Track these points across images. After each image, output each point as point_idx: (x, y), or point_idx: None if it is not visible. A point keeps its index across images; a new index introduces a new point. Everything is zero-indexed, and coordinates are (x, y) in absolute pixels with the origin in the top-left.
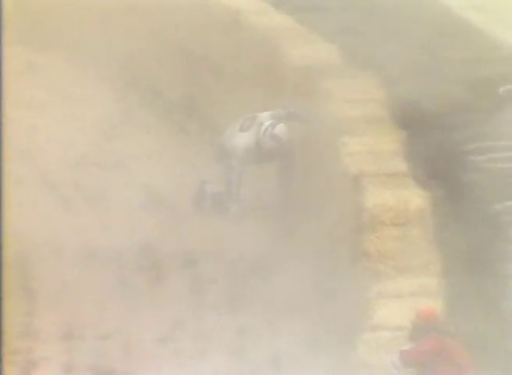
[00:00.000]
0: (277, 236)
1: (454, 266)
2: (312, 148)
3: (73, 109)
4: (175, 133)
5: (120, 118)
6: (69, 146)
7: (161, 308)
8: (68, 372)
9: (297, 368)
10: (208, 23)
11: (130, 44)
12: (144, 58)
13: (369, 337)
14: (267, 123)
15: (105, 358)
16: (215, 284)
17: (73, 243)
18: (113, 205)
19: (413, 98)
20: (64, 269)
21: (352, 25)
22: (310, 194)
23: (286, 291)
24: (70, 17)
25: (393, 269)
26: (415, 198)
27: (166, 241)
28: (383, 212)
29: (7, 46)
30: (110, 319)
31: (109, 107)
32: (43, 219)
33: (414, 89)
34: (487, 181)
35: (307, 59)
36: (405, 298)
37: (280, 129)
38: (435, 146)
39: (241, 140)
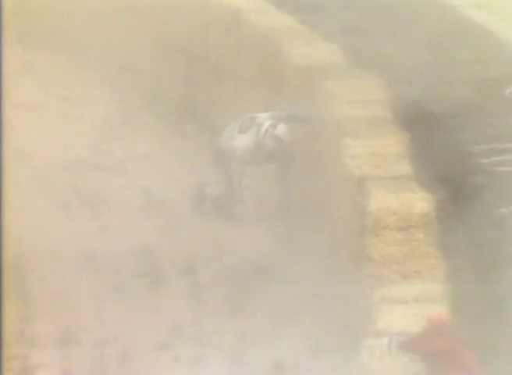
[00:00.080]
0: (278, 239)
1: (460, 271)
2: (314, 150)
3: (71, 110)
4: (174, 134)
5: (119, 119)
6: (67, 147)
7: (160, 313)
8: None
9: (299, 374)
10: (208, 23)
11: (129, 45)
12: (143, 58)
13: (372, 343)
14: (267, 124)
15: (103, 364)
16: (214, 289)
17: (70, 247)
18: (111, 208)
19: (417, 99)
20: (61, 274)
21: (355, 24)
22: (312, 198)
23: (287, 295)
24: (69, 17)
25: (397, 273)
26: (420, 202)
27: (165, 245)
28: (387, 215)
29: (5, 46)
30: (108, 324)
31: (108, 108)
32: (39, 221)
33: (418, 90)
34: (493, 184)
35: (308, 59)
36: (409, 303)
37: (281, 129)
38: (439, 148)
39: (240, 141)
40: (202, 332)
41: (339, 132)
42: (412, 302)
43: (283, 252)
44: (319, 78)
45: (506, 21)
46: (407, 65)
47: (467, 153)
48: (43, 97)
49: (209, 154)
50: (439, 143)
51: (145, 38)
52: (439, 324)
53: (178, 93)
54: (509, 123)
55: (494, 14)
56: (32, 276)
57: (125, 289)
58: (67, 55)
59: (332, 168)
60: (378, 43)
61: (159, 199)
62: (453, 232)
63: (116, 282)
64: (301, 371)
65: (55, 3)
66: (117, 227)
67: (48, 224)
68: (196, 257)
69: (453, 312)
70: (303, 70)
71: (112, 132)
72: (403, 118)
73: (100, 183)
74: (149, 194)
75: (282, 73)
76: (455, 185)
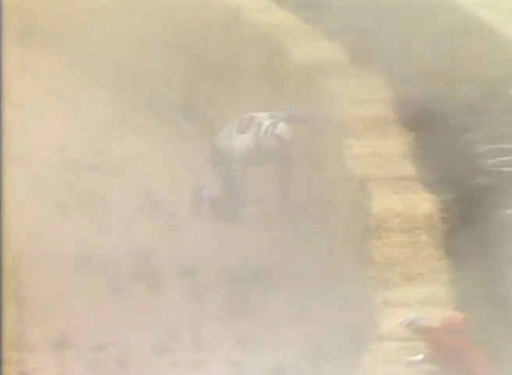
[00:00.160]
0: (279, 241)
1: (464, 274)
2: (315, 150)
3: (70, 110)
4: (173, 134)
5: (117, 119)
6: (63, 148)
7: (158, 317)
8: None
9: None
10: (207, 21)
11: (128, 44)
12: (143, 57)
13: (375, 347)
14: (267, 123)
15: (100, 369)
16: (214, 292)
17: (67, 248)
18: (108, 210)
19: (421, 98)
20: (57, 277)
21: (357, 22)
22: (313, 199)
23: (288, 299)
24: (66, 16)
25: (400, 276)
26: (423, 203)
27: (163, 247)
28: (390, 217)
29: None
30: (105, 328)
31: (106, 108)
32: (35, 223)
33: (422, 89)
34: (498, 185)
35: (310, 58)
36: (413, 306)
37: (282, 128)
38: (443, 148)
39: (240, 142)
40: (201, 335)
41: (341, 132)
42: (416, 305)
43: (284, 254)
44: (321, 77)
45: (511, 19)
46: (411, 63)
47: (472, 153)
48: (38, 97)
49: (209, 154)
50: (442, 143)
51: (144, 37)
52: (452, 325)
53: (177, 93)
54: None
55: (499, 12)
56: (28, 279)
57: (123, 292)
58: (65, 55)
59: (334, 168)
60: (381, 41)
61: (158, 200)
62: (457, 234)
63: (114, 284)
64: None
65: (54, 3)
66: (115, 229)
67: (45, 225)
68: (195, 259)
69: None
70: (304, 69)
71: (110, 132)
72: (406, 118)
73: (98, 183)
74: (148, 195)
75: (283, 72)
76: (459, 186)
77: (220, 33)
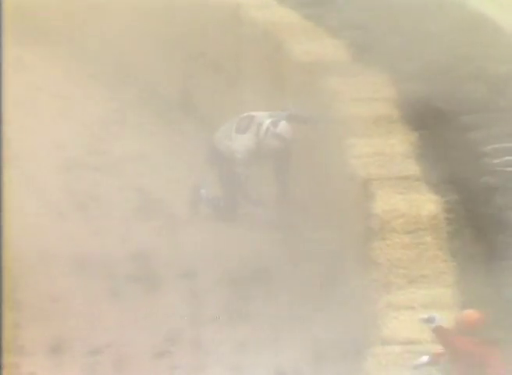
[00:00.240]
0: (280, 243)
1: (470, 276)
2: (317, 149)
3: (63, 108)
4: (172, 133)
5: (113, 117)
6: (59, 147)
7: (156, 320)
8: None
9: None
10: (207, 19)
11: (126, 41)
12: (139, 54)
13: (378, 351)
14: (267, 122)
15: (97, 373)
16: (213, 294)
17: (62, 250)
18: (105, 210)
19: (425, 97)
20: (53, 279)
21: (360, 19)
22: (315, 200)
23: (289, 301)
24: (65, 14)
25: (404, 278)
26: (428, 204)
27: (161, 249)
28: (394, 218)
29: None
30: (102, 331)
31: (103, 106)
32: (30, 224)
33: (426, 87)
34: (504, 185)
35: (311, 56)
36: (417, 309)
37: (283, 127)
38: (448, 147)
39: (241, 142)
40: (200, 339)
41: (344, 131)
42: (420, 308)
43: (285, 256)
44: (322, 75)
45: None
46: (414, 61)
47: (477, 152)
48: (32, 95)
49: (207, 154)
50: (447, 142)
51: (143, 35)
52: (468, 324)
53: (175, 91)
54: None
55: (504, 9)
56: (23, 281)
57: (120, 294)
58: (63, 53)
59: (336, 168)
60: (384, 38)
61: (156, 200)
62: (462, 235)
63: (111, 286)
64: None
65: (53, 1)
66: (112, 230)
67: (40, 226)
68: (194, 260)
69: None
70: (305, 67)
71: (108, 131)
72: (410, 116)
73: (94, 183)
74: (145, 196)
75: (284, 70)
76: (464, 186)
77: (220, 31)
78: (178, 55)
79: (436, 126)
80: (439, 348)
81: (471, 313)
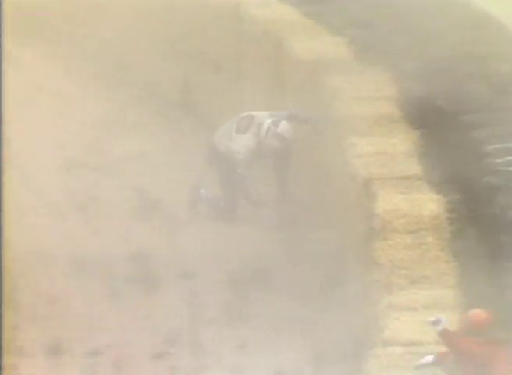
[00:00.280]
0: (280, 243)
1: (472, 276)
2: (318, 149)
3: (63, 108)
4: (170, 133)
5: (113, 117)
6: (57, 147)
7: (155, 321)
8: None
9: None
10: (207, 17)
11: (124, 39)
12: (139, 53)
13: (380, 352)
14: (268, 122)
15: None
16: (213, 295)
17: (61, 251)
18: (104, 210)
19: (427, 96)
20: (51, 279)
21: (361, 17)
22: (315, 199)
23: (289, 302)
24: (61, 12)
25: (406, 279)
26: (430, 203)
27: (161, 249)
28: (395, 218)
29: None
30: (101, 332)
31: (102, 105)
32: (28, 224)
33: (429, 86)
34: (507, 185)
35: (312, 54)
36: (419, 310)
37: (283, 127)
38: (450, 147)
39: (241, 143)
40: (200, 340)
41: (345, 130)
42: (422, 309)
43: (285, 256)
44: (323, 73)
45: None
46: (417, 59)
47: (480, 152)
48: (30, 94)
49: (207, 154)
50: (449, 141)
51: (143, 33)
52: (476, 323)
53: (174, 90)
54: None
55: (508, 7)
56: (21, 282)
57: (119, 295)
58: (56, 49)
59: (337, 168)
60: (386, 36)
61: (154, 201)
62: (464, 235)
63: (110, 287)
64: None
65: (51, 0)
66: (111, 230)
67: (37, 227)
68: (193, 262)
69: None
70: (306, 65)
71: (105, 130)
72: (412, 115)
73: (93, 183)
74: (145, 196)
75: (284, 69)
76: (467, 186)
77: (220, 29)
78: (178, 53)
79: (438, 125)
80: (443, 348)
81: (478, 313)
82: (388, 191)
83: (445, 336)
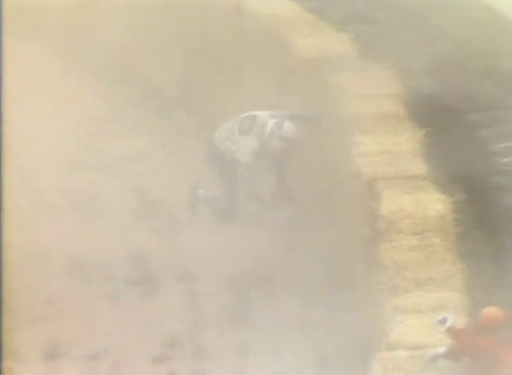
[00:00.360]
0: (282, 244)
1: (478, 278)
2: (322, 148)
3: (61, 107)
4: (169, 132)
5: (110, 116)
6: (54, 146)
7: (155, 323)
8: None
9: None
10: (207, 12)
11: (124, 37)
12: (137, 49)
13: (385, 356)
14: (271, 122)
15: None
16: (213, 298)
17: (58, 252)
18: (102, 211)
19: (433, 93)
20: (48, 281)
21: (366, 12)
22: (319, 199)
23: (292, 305)
24: (61, 10)
25: (412, 281)
26: (435, 204)
27: (160, 251)
28: (400, 218)
29: None
30: (99, 336)
31: (100, 104)
32: (25, 225)
33: (435, 83)
34: None
35: (315, 51)
36: (424, 313)
37: (287, 128)
38: (456, 146)
39: (244, 144)
40: (201, 345)
41: (349, 128)
42: (427, 312)
43: (287, 257)
44: (327, 71)
45: None
46: (422, 56)
47: (486, 151)
48: (27, 92)
49: (207, 154)
50: (455, 140)
51: (142, 30)
52: (489, 321)
53: (174, 88)
54: None
55: None
56: (17, 284)
57: (118, 297)
58: (53, 47)
59: (341, 167)
60: (391, 33)
61: (153, 202)
62: (471, 236)
63: (109, 289)
64: None
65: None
66: (109, 231)
67: (34, 227)
68: (193, 264)
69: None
70: (309, 62)
71: (103, 129)
72: (417, 113)
73: (90, 184)
74: (144, 196)
75: (287, 66)
76: (473, 186)
77: (220, 25)
78: (177, 50)
79: (445, 123)
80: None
81: (493, 311)
82: (393, 190)
83: (452, 332)
